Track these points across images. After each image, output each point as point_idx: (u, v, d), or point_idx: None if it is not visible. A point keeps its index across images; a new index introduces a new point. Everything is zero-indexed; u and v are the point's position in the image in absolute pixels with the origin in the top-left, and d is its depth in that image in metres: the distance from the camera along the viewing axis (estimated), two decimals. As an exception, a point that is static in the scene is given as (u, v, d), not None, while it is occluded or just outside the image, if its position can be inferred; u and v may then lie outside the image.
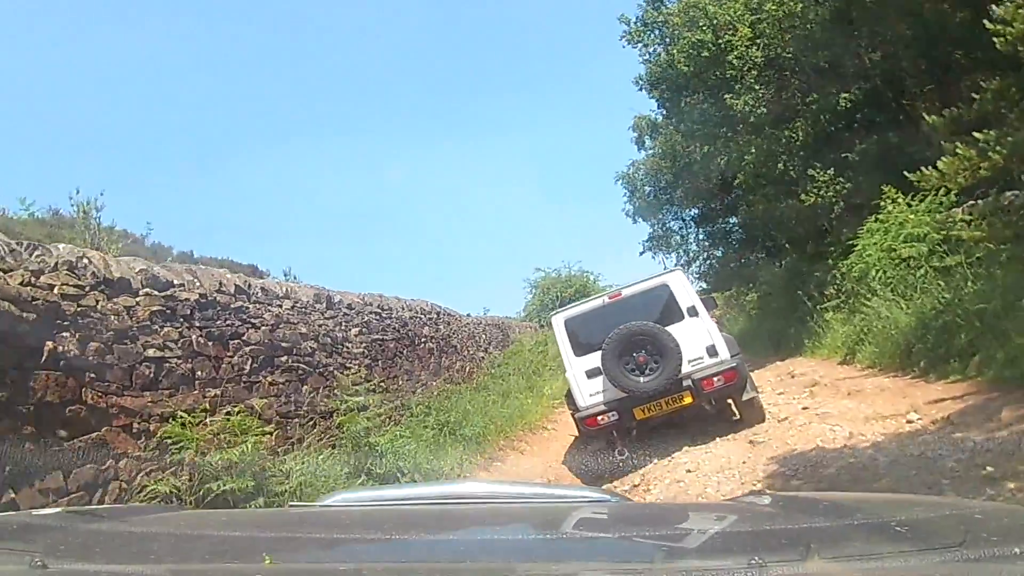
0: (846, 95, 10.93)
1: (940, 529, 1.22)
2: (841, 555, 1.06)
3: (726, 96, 11.51)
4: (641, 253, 27.01)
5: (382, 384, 8.99)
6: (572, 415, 8.09)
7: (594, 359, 7.33)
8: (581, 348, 7.65)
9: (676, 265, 23.80)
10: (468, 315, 14.84)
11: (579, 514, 1.65)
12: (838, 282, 11.92)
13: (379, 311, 10.18)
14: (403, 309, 11.10)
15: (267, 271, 21.74)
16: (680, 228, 26.78)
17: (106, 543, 1.31)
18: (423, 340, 11.15)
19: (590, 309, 8.05)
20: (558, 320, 8.09)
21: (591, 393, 7.50)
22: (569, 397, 8.11)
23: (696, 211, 25.90)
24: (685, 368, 7.11)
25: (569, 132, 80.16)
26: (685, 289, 7.79)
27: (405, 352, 10.52)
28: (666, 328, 7.18)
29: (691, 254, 27.60)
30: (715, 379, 7.10)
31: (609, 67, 71.34)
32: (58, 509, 2.20)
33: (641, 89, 13.65)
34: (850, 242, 11.17)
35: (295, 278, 18.78)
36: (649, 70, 13.32)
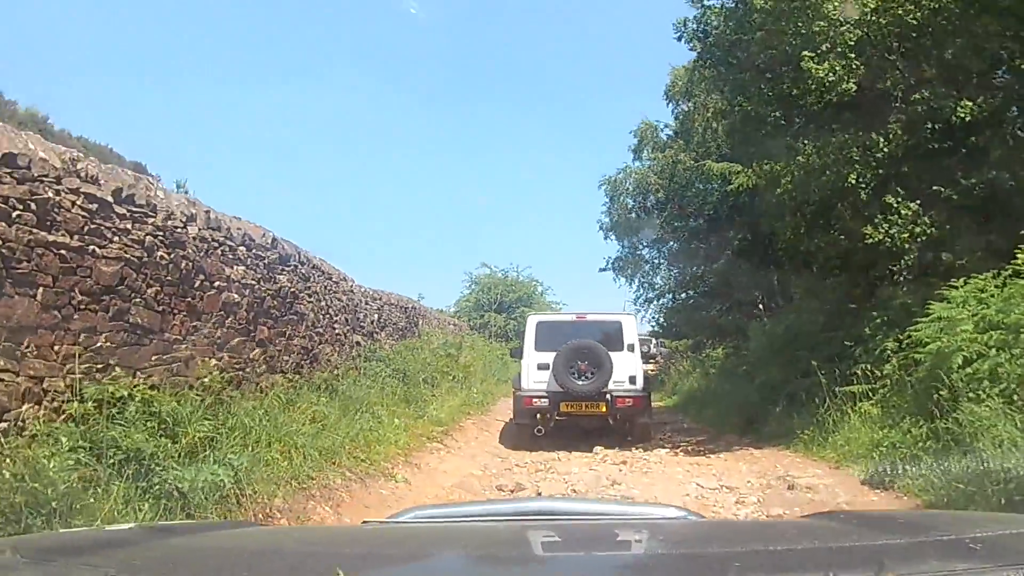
0: (967, 105, 7.48)
1: (1014, 546, 1.22)
2: (914, 572, 1.06)
3: (805, 54, 7.93)
4: (602, 269, 23.59)
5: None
6: (514, 392, 10.18)
7: (547, 357, 9.38)
8: (541, 346, 9.65)
9: (637, 294, 24.39)
10: (352, 281, 10.76)
11: (653, 531, 1.64)
12: (884, 357, 8.46)
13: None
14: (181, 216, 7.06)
15: (157, 176, 17.16)
16: (653, 257, 23.48)
17: (180, 559, 1.29)
18: (217, 284, 6.82)
19: (559, 320, 10.67)
20: (533, 319, 10.43)
21: (535, 381, 9.55)
22: (517, 379, 10.20)
23: (675, 244, 22.61)
24: (611, 385, 9.26)
25: (552, 130, 76.92)
26: (631, 330, 10.17)
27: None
28: (609, 352, 9.33)
29: (656, 289, 24.34)
30: (627, 400, 9.36)
31: (608, 69, 68.51)
32: (132, 525, 2.28)
33: (681, 37, 9.97)
34: (924, 308, 7.74)
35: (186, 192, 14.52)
36: (702, 11, 9.64)
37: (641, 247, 23.15)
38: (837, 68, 7.94)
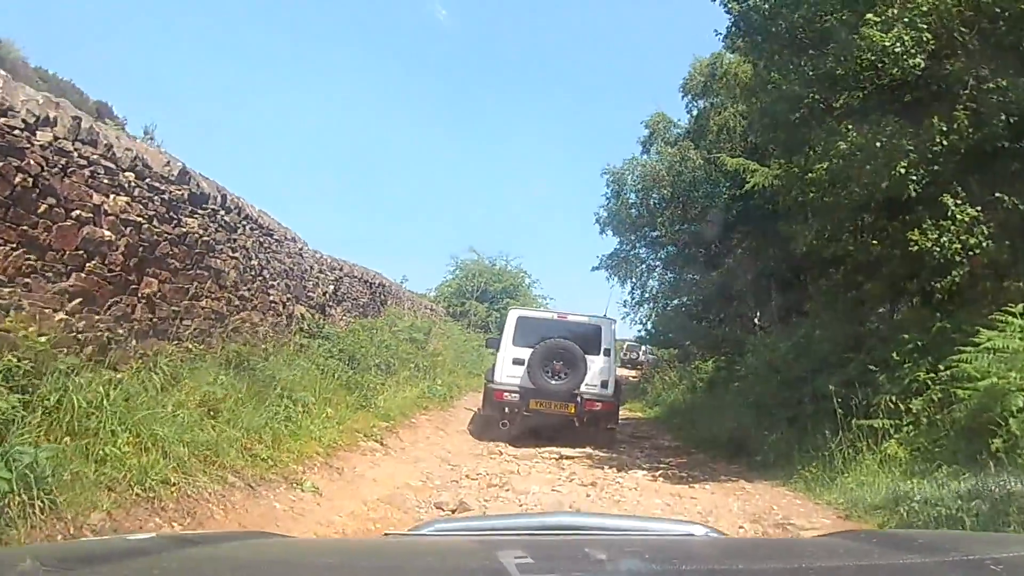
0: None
1: None
2: None
3: (870, 17, 6.50)
4: (594, 268, 22.15)
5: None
6: (485, 384, 10.14)
7: (523, 353, 9.53)
8: (519, 341, 9.76)
9: (629, 296, 23.04)
10: (302, 243, 9.28)
11: (674, 547, 1.63)
12: (912, 388, 7.07)
13: None
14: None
15: (123, 119, 15.57)
16: (649, 257, 22.02)
17: (200, 569, 1.30)
18: (77, 213, 5.34)
19: (540, 317, 10.69)
20: (514, 313, 10.46)
21: (508, 375, 9.65)
22: (490, 370, 10.23)
23: (674, 248, 21.20)
24: (582, 388, 9.40)
25: (558, 123, 75.25)
26: (610, 335, 10.26)
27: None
28: (585, 355, 9.45)
29: (649, 292, 22.91)
30: (597, 404, 9.51)
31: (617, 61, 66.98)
32: (152, 534, 2.17)
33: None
34: (965, 335, 6.35)
35: (152, 139, 12.97)
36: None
37: (639, 246, 21.66)
38: (906, 38, 6.48)
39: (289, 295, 8.90)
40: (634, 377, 31.52)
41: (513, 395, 9.46)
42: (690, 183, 19.20)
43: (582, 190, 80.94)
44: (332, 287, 10.92)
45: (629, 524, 1.97)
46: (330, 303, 10.87)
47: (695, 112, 20.83)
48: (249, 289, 7.56)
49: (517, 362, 9.59)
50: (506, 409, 9.49)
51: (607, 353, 9.92)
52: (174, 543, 1.53)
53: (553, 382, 9.33)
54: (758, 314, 18.45)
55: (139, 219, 5.41)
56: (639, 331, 23.66)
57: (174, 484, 4.23)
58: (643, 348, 30.86)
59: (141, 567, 1.19)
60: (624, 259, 21.92)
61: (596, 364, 9.65)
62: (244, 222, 7.42)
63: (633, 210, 21.65)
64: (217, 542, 1.60)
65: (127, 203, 5.28)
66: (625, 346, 37.79)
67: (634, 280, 22.52)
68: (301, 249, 9.49)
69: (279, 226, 8.77)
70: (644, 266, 22.37)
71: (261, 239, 7.98)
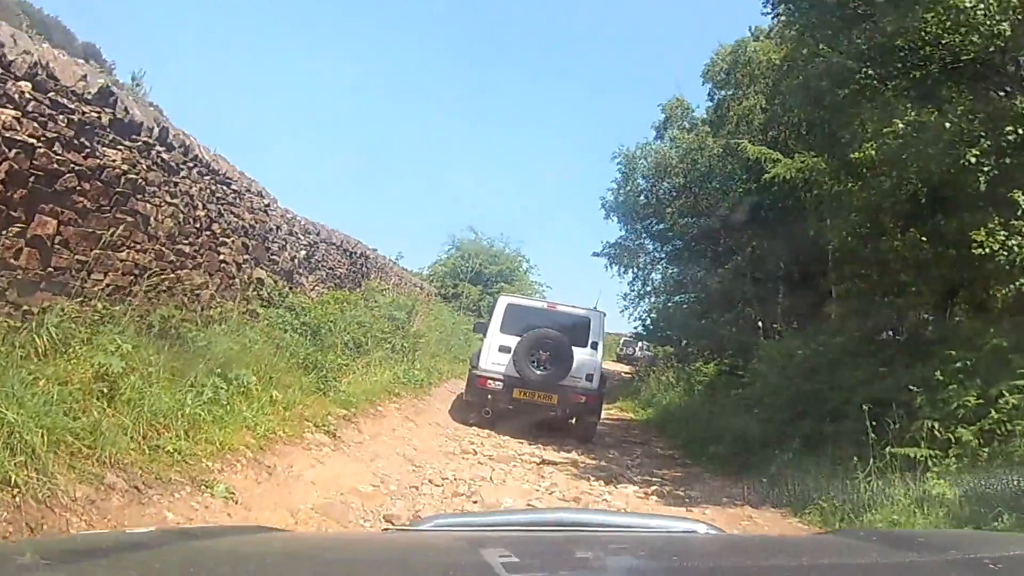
0: None
1: None
2: None
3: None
4: (595, 254, 21.03)
5: None
6: (470, 369, 9.93)
7: (510, 340, 9.35)
8: (507, 328, 9.58)
9: (629, 287, 22.32)
10: (270, 198, 8.20)
11: (673, 544, 1.63)
12: (958, 415, 6.02)
13: None
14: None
15: (111, 64, 14.41)
16: (655, 249, 20.87)
17: (201, 563, 1.25)
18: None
19: (530, 306, 10.53)
20: (504, 300, 10.38)
21: (494, 362, 9.47)
22: (475, 356, 10.00)
23: (680, 242, 20.09)
24: (567, 380, 9.20)
25: (569, 108, 73.67)
26: (598, 328, 9.96)
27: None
28: (572, 347, 9.25)
29: (651, 285, 21.83)
30: (580, 397, 9.36)
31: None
32: (152, 528, 2.37)
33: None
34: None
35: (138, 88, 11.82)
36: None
37: (644, 236, 20.51)
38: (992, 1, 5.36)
39: (247, 256, 7.79)
40: (628, 373, 30.53)
41: (497, 383, 9.32)
42: (704, 172, 18.04)
43: (589, 179, 79.75)
44: (304, 252, 9.81)
45: (630, 521, 1.97)
46: (300, 270, 9.77)
47: (716, 100, 19.65)
48: (192, 244, 6.45)
49: (503, 349, 9.44)
50: (489, 396, 9.38)
51: (595, 347, 9.80)
52: (175, 537, 1.59)
53: (538, 372, 9.21)
54: (761, 318, 17.46)
55: (32, 140, 4.28)
56: (636, 326, 22.63)
57: (15, 486, 3.15)
58: (639, 344, 29.84)
59: (142, 561, 1.19)
60: (628, 248, 20.80)
61: (583, 357, 9.50)
62: (190, 164, 6.29)
63: (642, 197, 20.49)
64: (218, 536, 1.66)
65: (15, 118, 4.16)
66: (621, 341, 36.91)
67: (636, 271, 21.44)
68: (268, 205, 8.38)
69: (241, 176, 7.64)
70: (648, 258, 21.27)
71: (213, 187, 6.86)
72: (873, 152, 6.72)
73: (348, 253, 11.88)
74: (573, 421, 9.87)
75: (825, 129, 8.82)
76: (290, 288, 9.08)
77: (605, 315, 10.46)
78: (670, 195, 19.84)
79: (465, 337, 18.81)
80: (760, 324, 17.11)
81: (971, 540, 1.79)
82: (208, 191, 6.76)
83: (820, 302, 15.07)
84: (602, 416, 14.98)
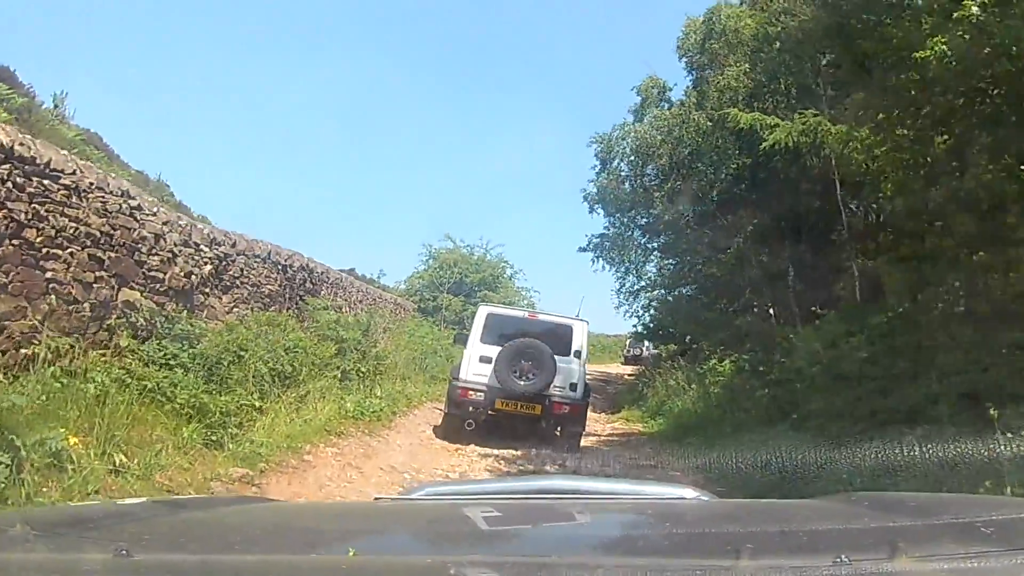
0: None
1: None
2: (927, 554, 1.04)
3: None
4: (582, 249, 19.08)
5: None
6: (450, 381, 9.69)
7: (491, 351, 9.12)
8: (488, 338, 9.36)
9: (621, 282, 20.40)
10: (147, 200, 6.23)
11: (665, 510, 1.65)
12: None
13: None
14: None
15: (28, 86, 12.37)
16: (645, 239, 18.92)
17: (191, 533, 1.27)
18: None
19: (511, 315, 10.36)
20: (484, 309, 10.13)
21: (475, 373, 9.22)
22: (456, 367, 9.82)
23: (672, 232, 18.18)
24: (551, 389, 8.97)
25: (541, 105, 71.95)
26: (581, 336, 9.69)
27: None
28: (554, 355, 8.95)
29: (646, 279, 19.86)
30: (563, 407, 9.06)
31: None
32: (144, 499, 2.29)
33: None
34: None
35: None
36: None
37: (632, 226, 18.57)
38: None
39: (102, 272, 5.78)
40: (630, 375, 28.48)
41: (479, 394, 9.10)
42: (692, 151, 16.16)
43: (570, 175, 77.89)
44: (210, 267, 7.80)
45: (620, 488, 1.91)
46: (206, 289, 7.75)
47: (694, 75, 17.84)
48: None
49: (484, 360, 9.25)
50: (471, 408, 9.12)
51: (577, 355, 9.58)
52: (165, 507, 1.56)
53: (521, 382, 8.97)
54: (772, 304, 15.53)
55: None
56: (635, 325, 20.59)
57: None
58: (645, 344, 28.02)
59: (133, 531, 1.19)
60: (615, 241, 18.84)
61: (566, 366, 9.28)
62: None
63: (626, 185, 18.62)
64: (209, 507, 1.64)
65: None
66: (627, 341, 34.91)
67: (628, 264, 19.43)
68: (138, 207, 6.37)
69: (82, 168, 5.65)
70: (639, 250, 19.30)
71: (22, 180, 4.86)
72: (939, 50, 4.75)
73: (280, 267, 9.86)
74: (558, 432, 9.45)
75: (852, 58, 6.86)
76: (188, 312, 7.07)
77: (588, 323, 10.22)
78: (656, 179, 17.97)
79: (446, 353, 16.82)
80: (771, 312, 15.21)
81: (962, 504, 1.73)
82: (12, 185, 4.76)
83: (839, 279, 13.21)
84: (607, 430, 13.17)
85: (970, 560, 1.00)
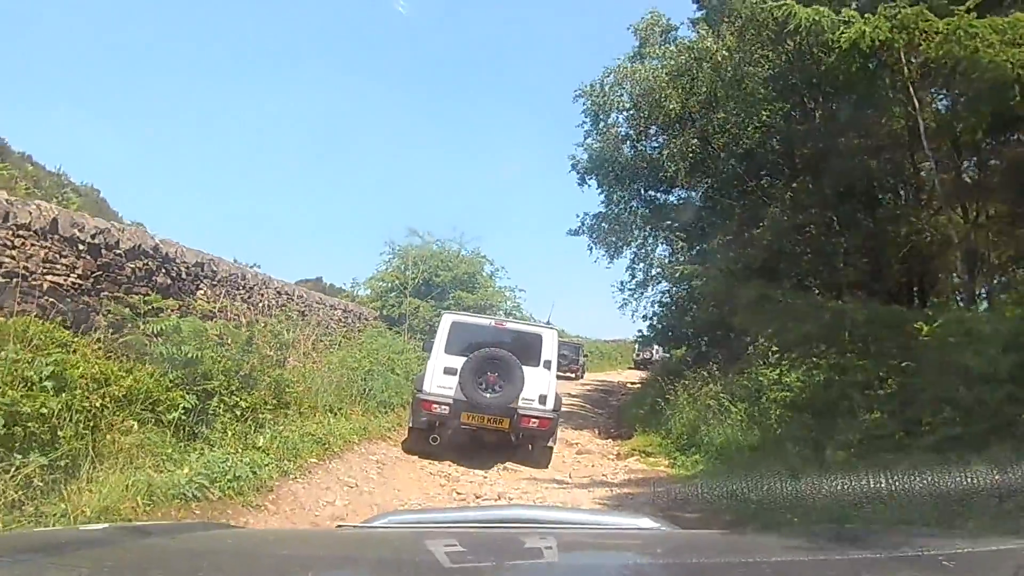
0: None
1: (988, 564, 1.23)
2: None
3: None
4: (572, 232, 15.34)
5: None
6: (414, 394, 9.20)
7: (456, 361, 8.72)
8: (452, 348, 8.91)
9: (628, 272, 17.13)
10: None
11: (626, 541, 1.65)
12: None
13: None
14: None
15: None
16: (651, 215, 15.09)
17: (153, 560, 1.27)
18: None
19: (476, 324, 9.63)
20: (448, 318, 9.43)
21: (439, 385, 8.77)
22: (419, 378, 9.24)
23: (688, 195, 14.48)
24: (519, 402, 8.59)
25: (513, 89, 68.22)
26: (551, 345, 9.14)
27: None
28: (522, 365, 8.58)
29: (658, 264, 16.04)
30: (532, 421, 8.62)
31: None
32: (106, 525, 2.22)
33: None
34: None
35: None
36: None
37: (637, 199, 14.80)
38: None
39: None
40: (634, 384, 24.78)
41: (443, 407, 8.60)
42: (710, 90, 12.46)
43: (556, 151, 73.98)
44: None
45: (580, 518, 1.92)
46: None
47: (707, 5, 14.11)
48: None
49: (449, 371, 8.78)
50: (436, 423, 8.68)
51: (547, 365, 8.98)
52: (128, 534, 1.57)
53: (487, 395, 8.57)
54: (821, 285, 11.86)
55: None
56: (646, 322, 16.74)
57: None
58: (656, 348, 25.09)
59: (95, 558, 1.18)
60: (615, 220, 15.07)
61: (535, 377, 8.76)
62: None
63: (625, 146, 14.85)
64: (172, 533, 1.61)
65: None
66: (636, 344, 31.39)
67: (633, 249, 15.63)
68: None
69: None
70: (645, 230, 15.49)
71: None
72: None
73: (83, 246, 6.00)
74: (531, 448, 9.13)
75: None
76: None
77: (556, 331, 9.74)
78: (663, 134, 14.23)
79: (407, 370, 13.05)
80: (819, 294, 11.53)
81: (922, 537, 1.77)
82: None
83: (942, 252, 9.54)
84: (619, 471, 9.40)
85: None
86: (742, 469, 7.69)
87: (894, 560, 1.27)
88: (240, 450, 6.10)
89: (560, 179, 74.05)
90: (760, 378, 9.47)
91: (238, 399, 6.72)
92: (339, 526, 2.31)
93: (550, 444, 9.07)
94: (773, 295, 7.88)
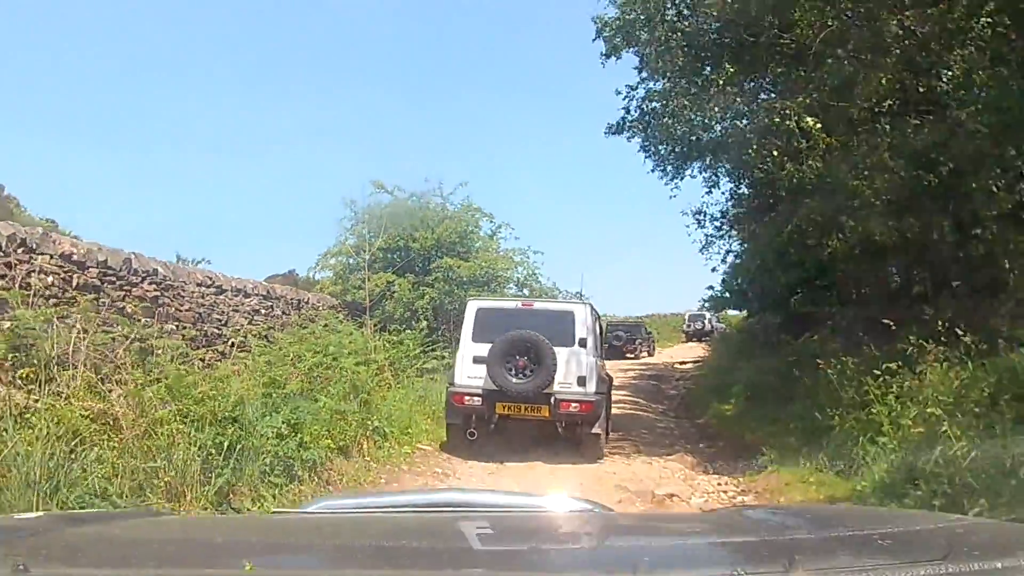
0: None
1: (923, 542, 1.22)
2: (824, 567, 1.05)
3: None
4: (609, 132, 10.10)
5: None
6: (447, 388, 8.76)
7: (485, 349, 8.12)
8: (480, 336, 8.38)
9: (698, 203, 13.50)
10: None
11: (563, 524, 1.65)
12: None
13: None
14: None
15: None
16: (726, 101, 9.60)
17: (89, 548, 1.26)
18: None
19: (502, 307, 9.10)
20: (472, 304, 8.91)
21: (469, 375, 8.28)
22: (451, 372, 8.86)
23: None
24: (555, 386, 7.93)
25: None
26: (585, 322, 8.41)
27: None
28: (554, 347, 7.91)
29: (741, 200, 10.62)
30: (573, 405, 7.97)
31: None
32: (41, 513, 2.21)
33: None
34: None
35: None
36: None
37: (704, 80, 9.30)
38: None
39: None
40: (686, 364, 19.68)
41: (475, 399, 8.15)
42: None
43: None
44: None
45: (517, 501, 1.90)
46: None
47: None
48: None
49: (478, 360, 8.22)
50: (473, 416, 8.18)
51: (583, 343, 8.25)
52: (63, 522, 1.53)
53: (516, 381, 7.98)
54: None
55: None
56: (721, 281, 11.47)
57: None
58: (708, 316, 20.91)
59: (31, 545, 1.17)
60: (670, 116, 9.62)
61: (569, 357, 8.13)
62: None
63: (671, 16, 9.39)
64: (107, 521, 1.59)
65: None
66: (687, 316, 27.58)
67: (702, 168, 10.22)
68: None
69: None
70: (716, 134, 10.07)
71: None
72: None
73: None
74: (578, 435, 8.28)
75: None
76: None
77: (591, 305, 8.95)
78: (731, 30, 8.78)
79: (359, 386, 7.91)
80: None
81: (859, 517, 1.82)
82: None
83: None
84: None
85: (866, 573, 1.01)
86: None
87: (827, 540, 1.27)
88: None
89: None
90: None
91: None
92: (274, 512, 2.44)
93: (596, 431, 8.32)
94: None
